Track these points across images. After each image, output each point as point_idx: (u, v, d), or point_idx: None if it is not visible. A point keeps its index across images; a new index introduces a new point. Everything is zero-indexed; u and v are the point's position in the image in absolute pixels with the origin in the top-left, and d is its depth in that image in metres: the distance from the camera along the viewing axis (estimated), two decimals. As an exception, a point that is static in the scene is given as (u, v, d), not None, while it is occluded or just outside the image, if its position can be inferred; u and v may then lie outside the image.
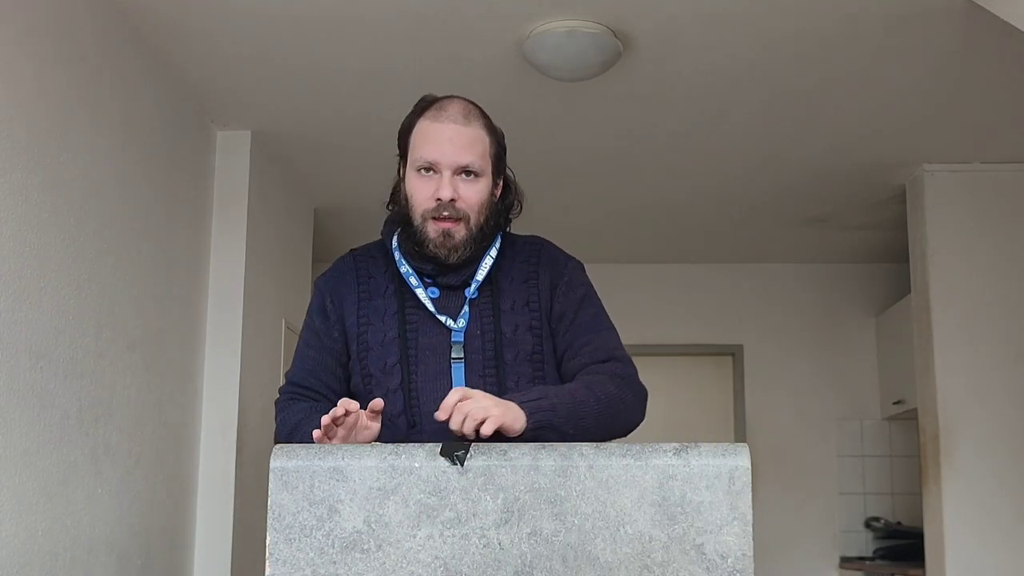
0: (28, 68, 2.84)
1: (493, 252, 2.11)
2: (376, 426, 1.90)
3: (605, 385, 1.99)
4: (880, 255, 6.18)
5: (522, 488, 1.62)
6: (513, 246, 2.16)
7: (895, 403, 5.92)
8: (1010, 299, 4.62)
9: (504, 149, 2.14)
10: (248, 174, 4.31)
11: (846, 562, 6.08)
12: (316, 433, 1.85)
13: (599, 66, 3.59)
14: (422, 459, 1.64)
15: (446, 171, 2.03)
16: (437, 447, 1.65)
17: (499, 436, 1.80)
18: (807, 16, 3.36)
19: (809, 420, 6.31)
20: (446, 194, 2.02)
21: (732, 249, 6.17)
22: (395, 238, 2.13)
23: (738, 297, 6.44)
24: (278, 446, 1.69)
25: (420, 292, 2.08)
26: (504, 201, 2.15)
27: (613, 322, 2.15)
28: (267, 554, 1.62)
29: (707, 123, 4.26)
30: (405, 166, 2.11)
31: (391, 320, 2.08)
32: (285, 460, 1.65)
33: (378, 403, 1.87)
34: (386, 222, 2.19)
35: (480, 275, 2.09)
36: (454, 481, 1.62)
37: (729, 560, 1.59)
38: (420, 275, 2.09)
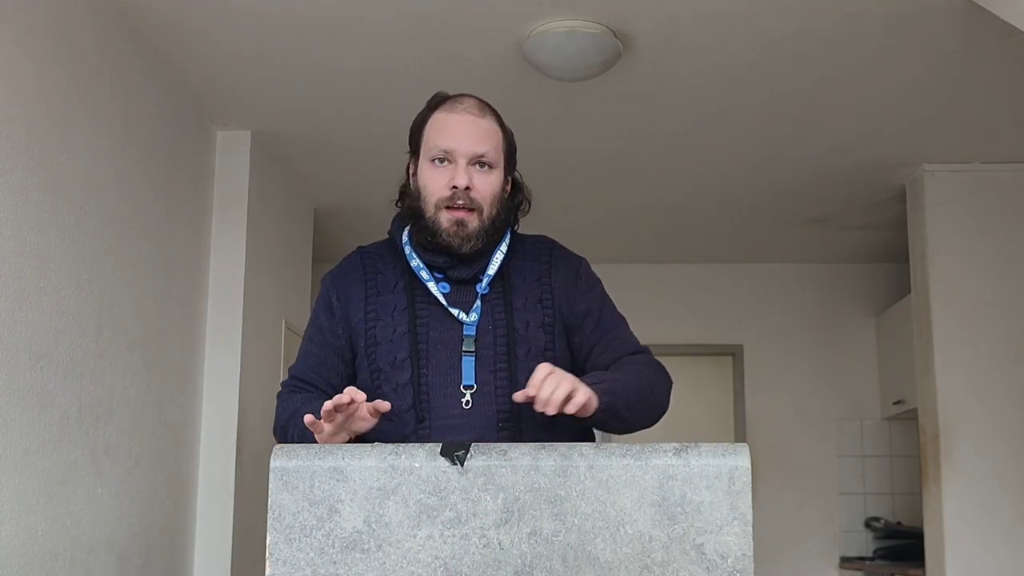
0: (28, 68, 2.84)
1: (503, 247, 2.12)
2: (374, 422, 1.91)
3: (647, 372, 2.07)
4: (880, 255, 6.18)
5: (522, 488, 1.62)
6: (523, 244, 2.18)
7: (895, 403, 5.92)
8: (1010, 299, 4.62)
9: (515, 148, 2.18)
10: (248, 174, 4.31)
11: (846, 562, 6.08)
12: (308, 417, 1.86)
13: (599, 66, 3.59)
14: (422, 459, 1.64)
15: (461, 160, 2.05)
16: (437, 447, 1.66)
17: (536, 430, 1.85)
18: (807, 16, 3.36)
19: (809, 420, 6.31)
20: (462, 181, 2.04)
21: (732, 249, 6.17)
22: (405, 233, 2.15)
23: (738, 297, 6.44)
24: (278, 446, 1.69)
25: (431, 286, 2.08)
26: (514, 199, 2.17)
27: None
28: (267, 554, 1.62)
29: (707, 123, 4.26)
30: (416, 162, 2.13)
31: (401, 315, 2.08)
32: (285, 460, 1.65)
33: (384, 405, 1.88)
34: (395, 219, 2.20)
35: (491, 269, 2.10)
36: (454, 481, 1.62)
37: (729, 560, 1.59)
38: (431, 269, 2.10)
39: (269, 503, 1.64)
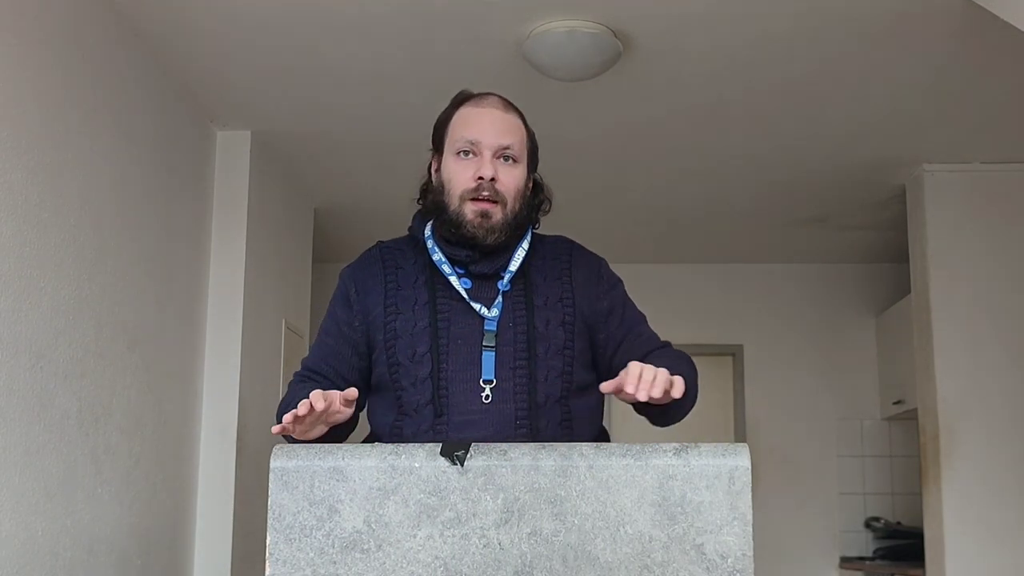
0: (28, 68, 2.84)
1: (525, 244, 2.14)
2: (348, 412, 1.91)
3: (684, 363, 2.08)
4: (880, 255, 6.18)
5: (522, 488, 1.62)
6: (543, 244, 2.20)
7: (895, 403, 5.92)
8: (1010, 299, 4.62)
9: (536, 147, 2.21)
10: (248, 174, 4.31)
11: (846, 562, 6.08)
12: (275, 428, 1.87)
13: (599, 66, 3.59)
14: (422, 459, 1.64)
15: (487, 151, 2.08)
16: (437, 447, 1.66)
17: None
18: (807, 16, 3.36)
19: (809, 420, 6.31)
20: (487, 172, 2.06)
21: (732, 249, 6.17)
22: (428, 227, 2.16)
23: (738, 297, 6.44)
24: (278, 446, 1.69)
25: (453, 280, 2.09)
26: (535, 198, 2.19)
27: None
28: (267, 554, 1.62)
29: (706, 123, 4.26)
30: (439, 159, 2.16)
31: (422, 310, 2.09)
32: (285, 460, 1.65)
33: (352, 393, 1.88)
34: (416, 215, 2.21)
35: (513, 265, 2.11)
36: (454, 481, 1.62)
37: (729, 560, 1.59)
38: (452, 264, 2.11)
39: (269, 503, 1.64)
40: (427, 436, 1.98)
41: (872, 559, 5.93)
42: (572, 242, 2.25)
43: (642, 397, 1.80)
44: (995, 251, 4.66)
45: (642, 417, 2.10)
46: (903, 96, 3.98)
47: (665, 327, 2.29)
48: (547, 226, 2.35)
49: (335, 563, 1.61)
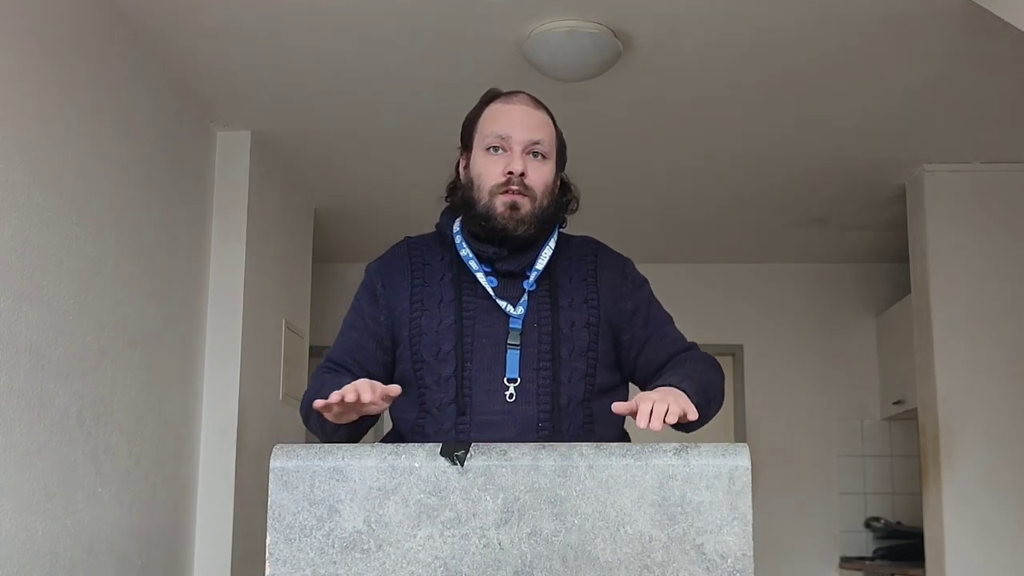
0: (28, 68, 2.84)
1: (552, 243, 2.14)
2: (385, 406, 1.92)
3: (708, 368, 2.10)
4: (880, 255, 6.18)
5: (522, 488, 1.62)
6: (568, 244, 2.21)
7: (895, 403, 5.92)
8: (1010, 299, 4.61)
9: (565, 146, 2.22)
10: (248, 174, 4.31)
11: (846, 562, 6.08)
12: (318, 402, 1.86)
13: (599, 66, 3.59)
14: (422, 459, 1.64)
15: (517, 146, 2.09)
16: (437, 447, 1.66)
17: None
18: (807, 16, 3.36)
19: (809, 420, 6.31)
20: (517, 167, 2.07)
21: (732, 249, 6.17)
22: (456, 224, 2.16)
23: (738, 297, 6.43)
24: (278, 446, 1.69)
25: (480, 276, 2.09)
26: (563, 197, 2.20)
27: None
28: (267, 554, 1.62)
29: (707, 123, 4.26)
30: (468, 156, 2.16)
31: (448, 307, 2.09)
32: (285, 460, 1.65)
33: (395, 389, 1.89)
34: (443, 212, 2.21)
35: (540, 264, 2.11)
36: (454, 481, 1.62)
37: (729, 560, 1.59)
38: (479, 260, 2.11)
39: (269, 503, 1.64)
40: (449, 435, 1.98)
41: (872, 559, 5.93)
42: (598, 243, 2.26)
43: (655, 428, 1.80)
44: (995, 251, 4.65)
45: None
46: (903, 96, 3.98)
47: (665, 327, 2.30)
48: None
49: (335, 563, 1.61)
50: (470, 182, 2.12)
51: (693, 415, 1.82)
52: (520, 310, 2.07)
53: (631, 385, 2.22)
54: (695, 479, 1.61)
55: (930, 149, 4.54)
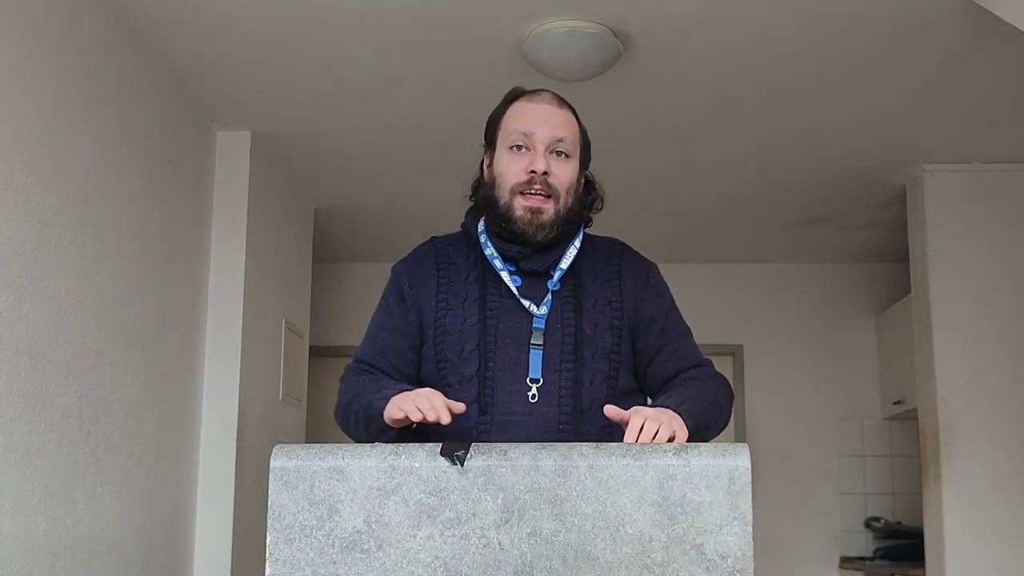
0: (27, 68, 2.84)
1: (577, 243, 2.14)
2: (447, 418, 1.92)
3: (714, 389, 2.08)
4: (880, 255, 6.18)
5: (522, 488, 1.62)
6: (593, 245, 2.20)
7: (895, 403, 5.92)
8: (1010, 299, 4.61)
9: (589, 144, 2.21)
10: (248, 174, 4.31)
11: (846, 562, 6.08)
12: (394, 418, 1.86)
13: (599, 66, 3.59)
14: (422, 459, 1.64)
15: (540, 145, 2.08)
16: (437, 447, 1.66)
17: None
18: (807, 16, 3.36)
19: (809, 420, 6.31)
20: (540, 166, 2.06)
21: (732, 249, 6.17)
22: (481, 223, 2.16)
23: (738, 297, 6.43)
24: (278, 446, 1.69)
25: (505, 275, 2.09)
26: (587, 196, 2.19)
27: None
28: (267, 554, 1.62)
29: (707, 123, 4.26)
30: (491, 155, 2.16)
31: (472, 306, 2.09)
32: (285, 460, 1.65)
33: (459, 407, 1.87)
34: (468, 211, 2.21)
35: (564, 263, 2.11)
36: (454, 481, 1.62)
37: (729, 560, 1.59)
38: (503, 259, 2.11)
39: (269, 503, 1.64)
40: (470, 435, 1.97)
41: (872, 559, 5.93)
42: (624, 244, 2.25)
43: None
44: (995, 251, 4.65)
45: None
46: (904, 96, 3.98)
47: (665, 327, 2.30)
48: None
49: (335, 563, 1.61)
50: (492, 180, 2.12)
51: (682, 440, 1.81)
52: (544, 310, 2.07)
53: None
54: (695, 479, 1.61)
55: (930, 149, 4.54)
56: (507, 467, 1.63)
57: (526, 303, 2.07)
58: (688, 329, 2.21)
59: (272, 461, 1.65)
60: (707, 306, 6.38)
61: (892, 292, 6.28)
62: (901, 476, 6.23)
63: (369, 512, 1.62)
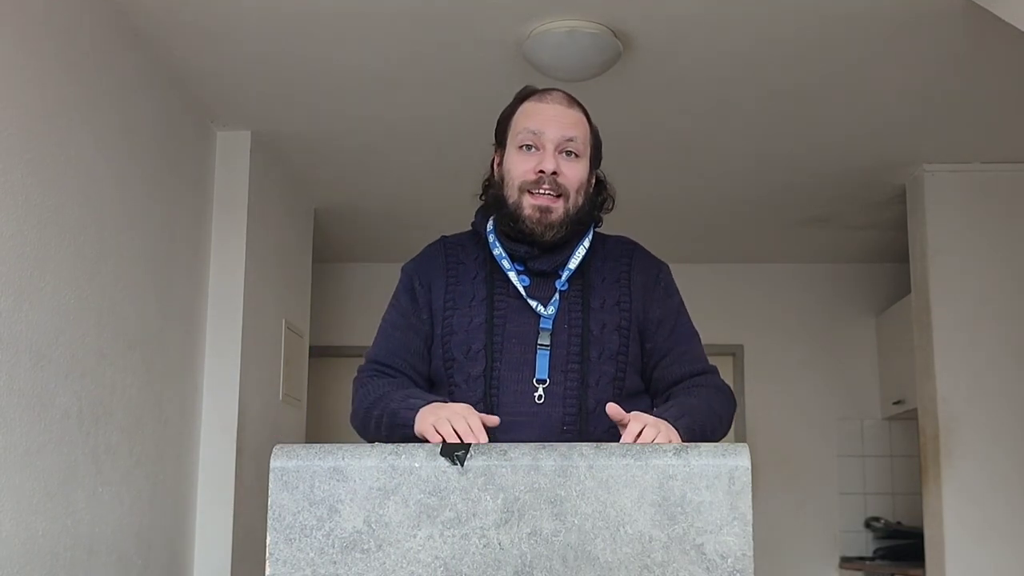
0: (27, 68, 2.84)
1: (586, 243, 2.13)
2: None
3: (717, 399, 2.08)
4: (880, 255, 6.18)
5: (522, 488, 1.62)
6: (604, 244, 2.20)
7: (895, 403, 5.92)
8: (1010, 299, 4.62)
9: (600, 144, 2.20)
10: (248, 174, 4.31)
11: (846, 562, 6.08)
12: (430, 437, 1.82)
13: (599, 66, 3.59)
14: (422, 459, 1.64)
15: (549, 145, 2.07)
16: (437, 447, 1.66)
17: None
18: (807, 16, 3.36)
19: (809, 420, 6.31)
20: (549, 166, 2.05)
21: (732, 249, 6.17)
22: (490, 222, 2.16)
23: (738, 297, 6.43)
24: (278, 446, 1.69)
25: (512, 275, 2.09)
26: (598, 196, 2.19)
27: None
28: (267, 554, 1.62)
29: (707, 123, 4.26)
30: (501, 154, 2.15)
31: (479, 306, 2.09)
32: (285, 460, 1.65)
33: (492, 420, 1.86)
34: (478, 210, 2.21)
35: (572, 263, 2.10)
36: (454, 481, 1.62)
37: (729, 560, 1.59)
38: (512, 259, 2.11)
39: (269, 503, 1.64)
40: None
41: (872, 559, 5.93)
42: (635, 244, 2.24)
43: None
44: (995, 251, 4.65)
45: None
46: (903, 96, 3.98)
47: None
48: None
49: (335, 563, 1.61)
50: (502, 179, 2.12)
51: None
52: (551, 310, 2.06)
53: None
54: (695, 479, 1.61)
55: (930, 149, 4.54)
56: (507, 467, 1.63)
57: (533, 303, 2.06)
58: (696, 332, 2.20)
59: (272, 461, 1.65)
60: (707, 306, 6.36)
61: (892, 292, 6.28)
62: (901, 476, 6.23)
63: (369, 512, 1.62)
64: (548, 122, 2.08)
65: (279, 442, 1.77)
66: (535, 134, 2.07)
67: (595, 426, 2.01)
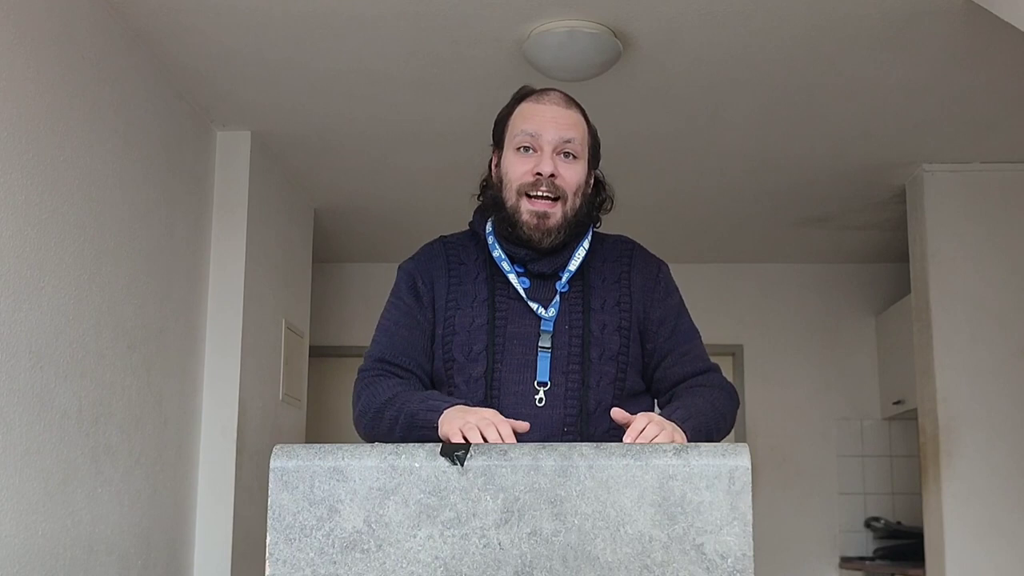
0: (27, 68, 2.84)
1: (586, 244, 2.13)
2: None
3: (721, 400, 2.08)
4: (880, 255, 6.18)
5: (522, 488, 1.62)
6: (603, 244, 2.19)
7: (895, 403, 5.92)
8: (1010, 299, 4.62)
9: (599, 144, 2.18)
10: (248, 174, 4.31)
11: (846, 562, 6.08)
12: (452, 440, 1.79)
13: (599, 66, 3.59)
14: (422, 459, 1.64)
15: (547, 146, 2.06)
16: (437, 447, 1.65)
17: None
18: (807, 16, 3.36)
19: (809, 420, 6.31)
20: (546, 168, 2.04)
21: (732, 249, 6.17)
22: (489, 223, 2.14)
23: (738, 297, 6.44)
24: (278, 446, 1.69)
25: (512, 277, 2.08)
26: (596, 196, 2.18)
27: None
28: (267, 554, 1.62)
29: (707, 123, 4.26)
30: (499, 155, 2.13)
31: (480, 307, 2.08)
32: (285, 460, 1.65)
33: (523, 426, 1.84)
34: (476, 211, 2.20)
35: (573, 265, 2.10)
36: (454, 481, 1.62)
37: (729, 560, 1.59)
38: (512, 261, 2.10)
39: (269, 503, 1.64)
40: None
41: (872, 559, 5.93)
42: (634, 243, 2.23)
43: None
44: (995, 251, 4.65)
45: None
46: (903, 96, 3.98)
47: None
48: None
49: (335, 563, 1.61)
50: (499, 181, 2.10)
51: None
52: (552, 312, 2.06)
53: None
54: (695, 479, 1.61)
55: (930, 149, 4.54)
56: (507, 467, 1.63)
57: (534, 306, 2.06)
58: (697, 331, 2.20)
59: (272, 461, 1.65)
60: (707, 306, 6.38)
61: (892, 292, 6.28)
62: (901, 476, 6.23)
63: (369, 512, 1.62)
64: (545, 123, 2.07)
65: (279, 442, 1.77)
66: (532, 136, 2.06)
67: (596, 427, 2.01)
